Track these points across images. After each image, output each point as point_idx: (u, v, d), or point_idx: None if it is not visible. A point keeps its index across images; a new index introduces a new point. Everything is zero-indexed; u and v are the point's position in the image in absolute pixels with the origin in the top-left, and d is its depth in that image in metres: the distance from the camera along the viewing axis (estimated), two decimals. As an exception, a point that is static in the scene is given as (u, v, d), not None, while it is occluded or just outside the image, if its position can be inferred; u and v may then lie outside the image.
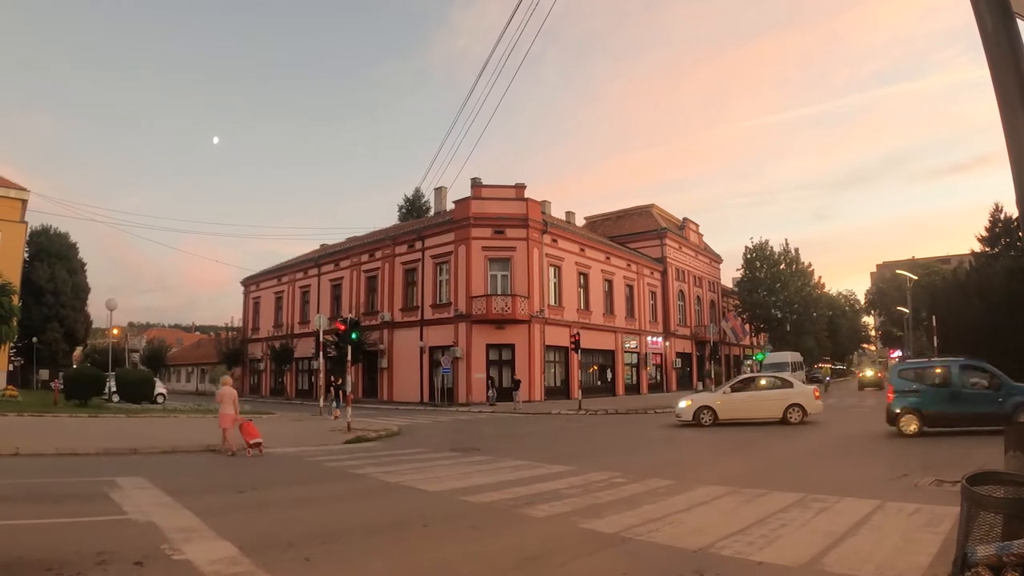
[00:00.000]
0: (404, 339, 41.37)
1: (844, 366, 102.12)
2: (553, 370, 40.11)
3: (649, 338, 51.23)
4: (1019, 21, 3.29)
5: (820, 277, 69.47)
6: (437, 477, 11.16)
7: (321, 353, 29.44)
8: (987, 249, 45.58)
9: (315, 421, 25.43)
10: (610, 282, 47.19)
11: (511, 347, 37.35)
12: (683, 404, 20.72)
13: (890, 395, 17.00)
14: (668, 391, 51.69)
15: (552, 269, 40.72)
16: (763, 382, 21.30)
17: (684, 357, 57.51)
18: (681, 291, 58.36)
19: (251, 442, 14.58)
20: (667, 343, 53.71)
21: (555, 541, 6.71)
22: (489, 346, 37.19)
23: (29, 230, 42.40)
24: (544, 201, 43.65)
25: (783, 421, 19.65)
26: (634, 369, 49.61)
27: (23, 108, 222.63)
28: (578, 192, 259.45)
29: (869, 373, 59.70)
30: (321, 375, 31.93)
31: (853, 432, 19.20)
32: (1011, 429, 4.81)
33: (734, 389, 20.71)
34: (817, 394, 20.82)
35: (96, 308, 59.17)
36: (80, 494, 9.04)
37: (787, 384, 21.00)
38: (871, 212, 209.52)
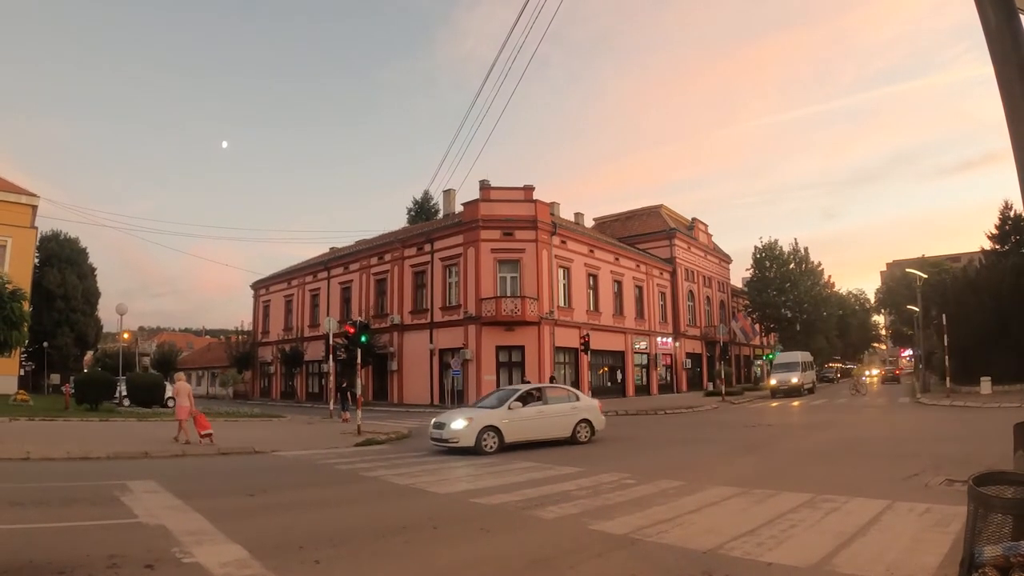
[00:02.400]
0: (414, 341, 41.40)
1: (855, 365, 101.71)
2: (563, 371, 40.01)
3: (659, 339, 51.12)
4: (1023, 17, 3.28)
5: (830, 276, 69.21)
6: (447, 479, 11.19)
7: (331, 356, 29.53)
8: (997, 247, 45.30)
9: (325, 424, 25.51)
10: (619, 283, 47.10)
11: (521, 349, 37.32)
12: (460, 423, 15.27)
13: None
14: (678, 392, 51.68)
15: (561, 270, 40.67)
16: (550, 394, 17.53)
17: (694, 358, 57.32)
18: (691, 291, 58.19)
19: (203, 433, 16.20)
20: (677, 344, 53.58)
21: (565, 543, 6.72)
22: (499, 348, 37.17)
23: (39, 236, 42.70)
24: (553, 202, 43.60)
25: (572, 440, 16.61)
26: (644, 370, 49.47)
27: (32, 113, 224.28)
28: (586, 193, 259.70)
29: (875, 372, 59.71)
30: (331, 378, 32.03)
31: (862, 432, 19.14)
32: (1020, 428, 4.76)
33: (521, 403, 16.33)
34: (601, 407, 18.12)
35: (106, 313, 59.38)
36: (91, 498, 9.08)
37: (574, 396, 17.86)
38: (880, 210, 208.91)
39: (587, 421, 17.08)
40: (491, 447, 15.19)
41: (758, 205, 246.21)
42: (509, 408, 15.88)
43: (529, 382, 34.40)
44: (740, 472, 11.47)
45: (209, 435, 16.32)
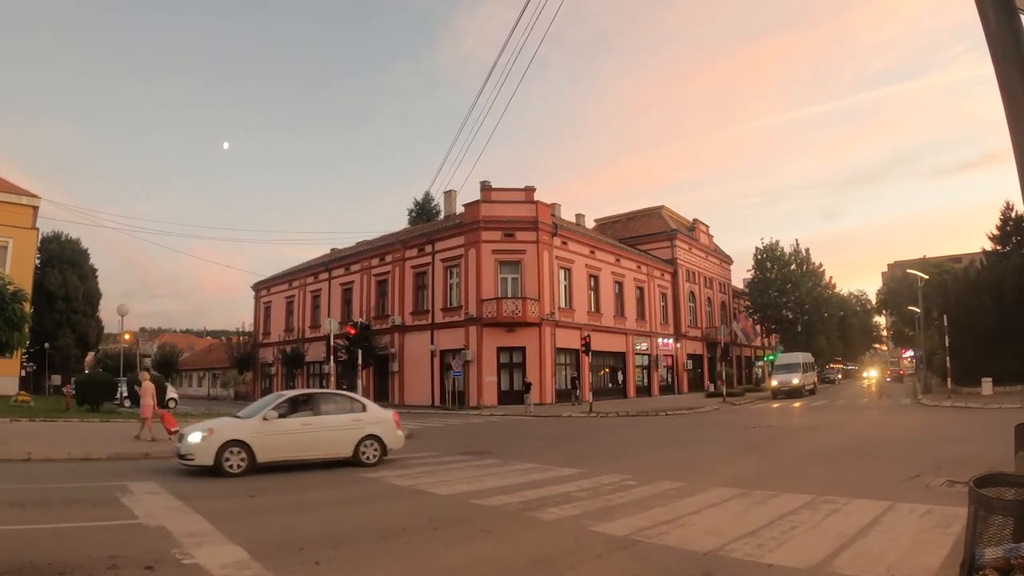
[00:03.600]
0: (415, 342, 41.42)
1: (856, 367, 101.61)
2: (564, 372, 40.02)
3: (660, 340, 51.08)
4: (1023, 17, 3.27)
5: (831, 277, 69.09)
6: (447, 480, 11.18)
7: (332, 357, 29.48)
8: (998, 247, 45.16)
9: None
10: (620, 284, 47.11)
11: (522, 350, 37.31)
12: (196, 436, 12.23)
13: None
14: (679, 393, 51.65)
15: (562, 271, 40.67)
16: (324, 403, 14.10)
17: (695, 359, 57.36)
18: (692, 292, 58.20)
19: (171, 430, 16.33)
20: (678, 345, 53.56)
21: (565, 544, 6.71)
22: (500, 349, 37.18)
23: (40, 237, 42.69)
24: (554, 203, 43.58)
25: (354, 461, 13.36)
26: (645, 371, 49.48)
27: (34, 115, 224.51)
28: (587, 194, 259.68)
29: (874, 373, 60.14)
30: (332, 379, 31.99)
31: (863, 433, 19.13)
32: (1021, 429, 4.75)
33: (281, 413, 13.09)
34: (398, 420, 14.59)
35: (108, 314, 59.34)
36: (91, 499, 9.10)
37: (358, 406, 14.32)
38: (881, 211, 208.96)
39: (375, 438, 13.80)
40: (236, 467, 12.11)
41: (759, 206, 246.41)
42: (263, 419, 12.74)
43: (530, 383, 34.44)
44: (741, 473, 11.46)
45: (176, 432, 16.64)
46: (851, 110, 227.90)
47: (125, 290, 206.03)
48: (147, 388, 17.83)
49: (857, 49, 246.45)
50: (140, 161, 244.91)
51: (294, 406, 13.50)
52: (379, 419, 14.20)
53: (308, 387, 50.71)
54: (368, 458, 13.56)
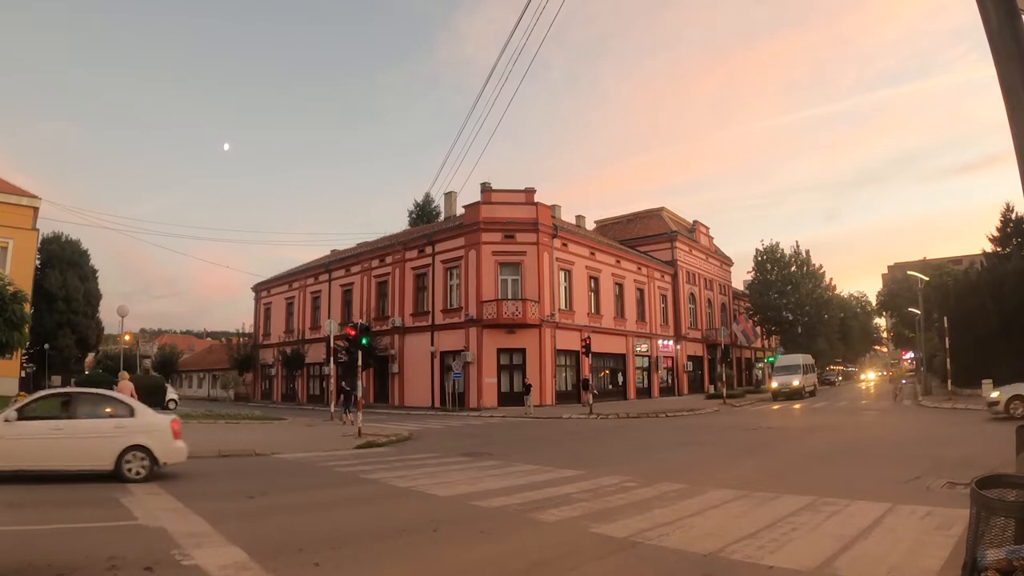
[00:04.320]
0: (415, 344, 41.40)
1: (856, 368, 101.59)
2: (564, 374, 40.00)
3: (660, 341, 51.05)
4: (1024, 17, 3.27)
5: (831, 279, 69.10)
6: (448, 482, 11.16)
7: (332, 358, 29.50)
8: (999, 249, 45.06)
9: (326, 426, 25.48)
10: (621, 285, 47.08)
11: (522, 351, 37.28)
12: None
13: None
14: (680, 395, 51.63)
15: (562, 273, 40.62)
16: (82, 405, 11.70)
17: (695, 360, 57.32)
18: (692, 294, 58.16)
19: None
20: (678, 346, 53.52)
21: (565, 545, 6.71)
22: (500, 350, 37.13)
23: (41, 237, 42.67)
24: (554, 205, 43.52)
25: (117, 475, 11.03)
26: (645, 372, 49.43)
27: (34, 115, 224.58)
28: (587, 195, 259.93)
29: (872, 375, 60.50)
30: (332, 380, 32.02)
31: (863, 434, 19.11)
32: (1022, 430, 4.75)
33: (25, 415, 11.07)
34: (177, 429, 12.09)
35: (108, 314, 59.43)
36: (91, 500, 9.10)
37: (124, 411, 11.82)
38: (881, 212, 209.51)
39: (143, 448, 11.41)
40: None
41: (759, 207, 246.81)
42: (4, 420, 10.82)
43: (530, 385, 34.40)
44: (741, 475, 11.45)
45: None
46: (852, 112, 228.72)
47: (125, 291, 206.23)
48: (124, 388, 16.86)
49: (858, 51, 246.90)
50: (140, 161, 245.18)
51: (47, 407, 11.79)
52: (149, 427, 11.81)
53: (309, 389, 50.85)
54: (133, 472, 11.24)
